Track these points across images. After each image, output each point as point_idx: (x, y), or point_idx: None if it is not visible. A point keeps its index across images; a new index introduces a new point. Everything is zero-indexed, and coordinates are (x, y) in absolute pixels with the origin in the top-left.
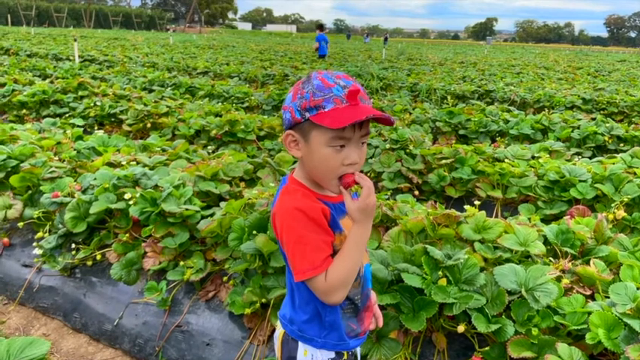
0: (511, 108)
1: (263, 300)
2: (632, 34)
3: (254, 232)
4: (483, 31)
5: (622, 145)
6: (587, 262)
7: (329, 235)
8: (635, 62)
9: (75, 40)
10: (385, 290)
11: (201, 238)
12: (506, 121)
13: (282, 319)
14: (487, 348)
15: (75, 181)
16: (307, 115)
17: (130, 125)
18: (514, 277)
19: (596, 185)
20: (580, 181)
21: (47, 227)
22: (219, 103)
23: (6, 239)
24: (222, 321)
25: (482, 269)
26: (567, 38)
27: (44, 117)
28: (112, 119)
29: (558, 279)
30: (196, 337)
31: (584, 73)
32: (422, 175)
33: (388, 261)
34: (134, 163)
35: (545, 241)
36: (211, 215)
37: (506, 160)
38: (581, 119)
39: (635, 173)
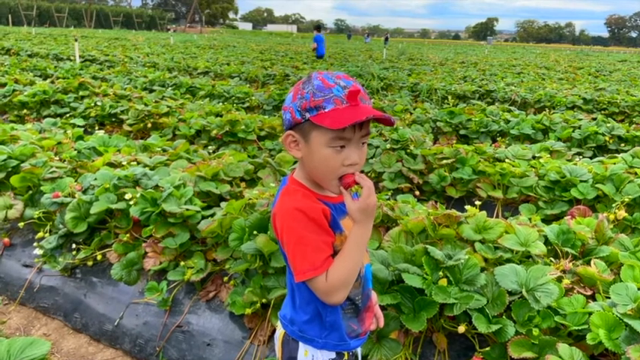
0: (512, 108)
1: (263, 300)
2: (633, 34)
3: (254, 232)
4: (484, 31)
5: (623, 145)
6: (588, 263)
7: (329, 236)
8: (636, 62)
9: (76, 40)
10: (386, 290)
11: (202, 239)
12: (507, 121)
13: (283, 320)
14: (488, 348)
15: (75, 181)
16: (307, 115)
17: (130, 125)
18: (515, 278)
19: (597, 185)
20: (581, 181)
21: (48, 227)
22: (220, 103)
23: (6, 239)
24: (223, 321)
25: (482, 269)
26: (568, 38)
27: (45, 117)
28: (113, 119)
29: (559, 279)
30: (197, 338)
31: (584, 73)
32: (423, 176)
33: (389, 261)
34: (135, 163)
35: (546, 242)
36: (212, 215)
37: (506, 160)
38: (582, 119)
39: (636, 173)
